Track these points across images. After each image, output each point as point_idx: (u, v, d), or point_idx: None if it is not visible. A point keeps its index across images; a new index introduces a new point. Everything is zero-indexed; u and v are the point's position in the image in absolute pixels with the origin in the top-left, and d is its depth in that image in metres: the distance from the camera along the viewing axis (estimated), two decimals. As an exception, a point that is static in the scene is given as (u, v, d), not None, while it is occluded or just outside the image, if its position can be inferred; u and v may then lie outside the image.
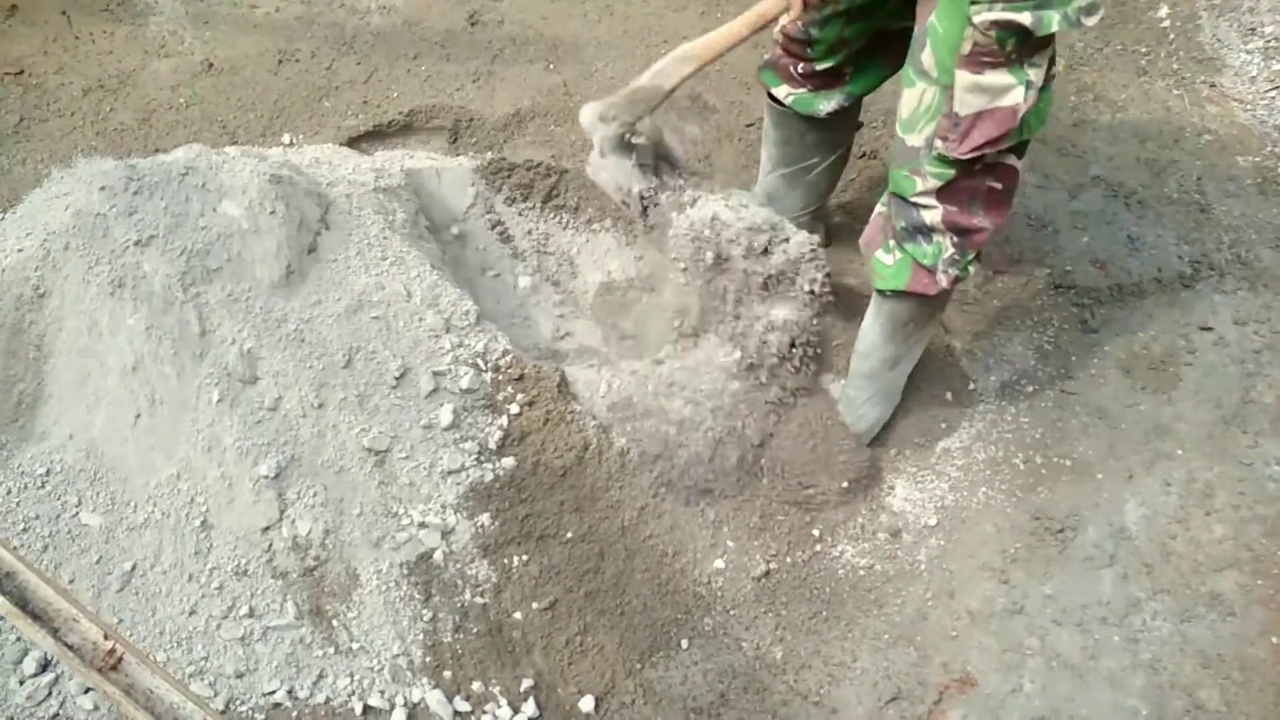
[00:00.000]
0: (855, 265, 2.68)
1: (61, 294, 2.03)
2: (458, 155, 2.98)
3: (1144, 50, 3.47)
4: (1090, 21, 1.81)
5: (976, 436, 2.51)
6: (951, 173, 2.00)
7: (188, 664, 1.92)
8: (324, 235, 2.19)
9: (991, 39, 1.82)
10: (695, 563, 2.28)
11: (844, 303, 2.56)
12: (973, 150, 1.93)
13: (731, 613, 2.25)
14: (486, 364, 2.22)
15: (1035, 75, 1.87)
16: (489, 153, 3.00)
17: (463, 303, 2.26)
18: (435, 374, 2.16)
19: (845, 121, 2.54)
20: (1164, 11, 3.58)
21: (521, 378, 2.23)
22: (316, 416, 2.07)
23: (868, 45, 2.28)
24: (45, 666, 1.90)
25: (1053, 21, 1.79)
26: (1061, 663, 2.18)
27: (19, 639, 1.89)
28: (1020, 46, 1.83)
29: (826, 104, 2.38)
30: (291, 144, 2.92)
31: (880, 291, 2.26)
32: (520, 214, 2.73)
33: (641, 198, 2.45)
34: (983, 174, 2.01)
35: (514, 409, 2.21)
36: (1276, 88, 3.32)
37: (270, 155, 2.29)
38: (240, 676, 1.94)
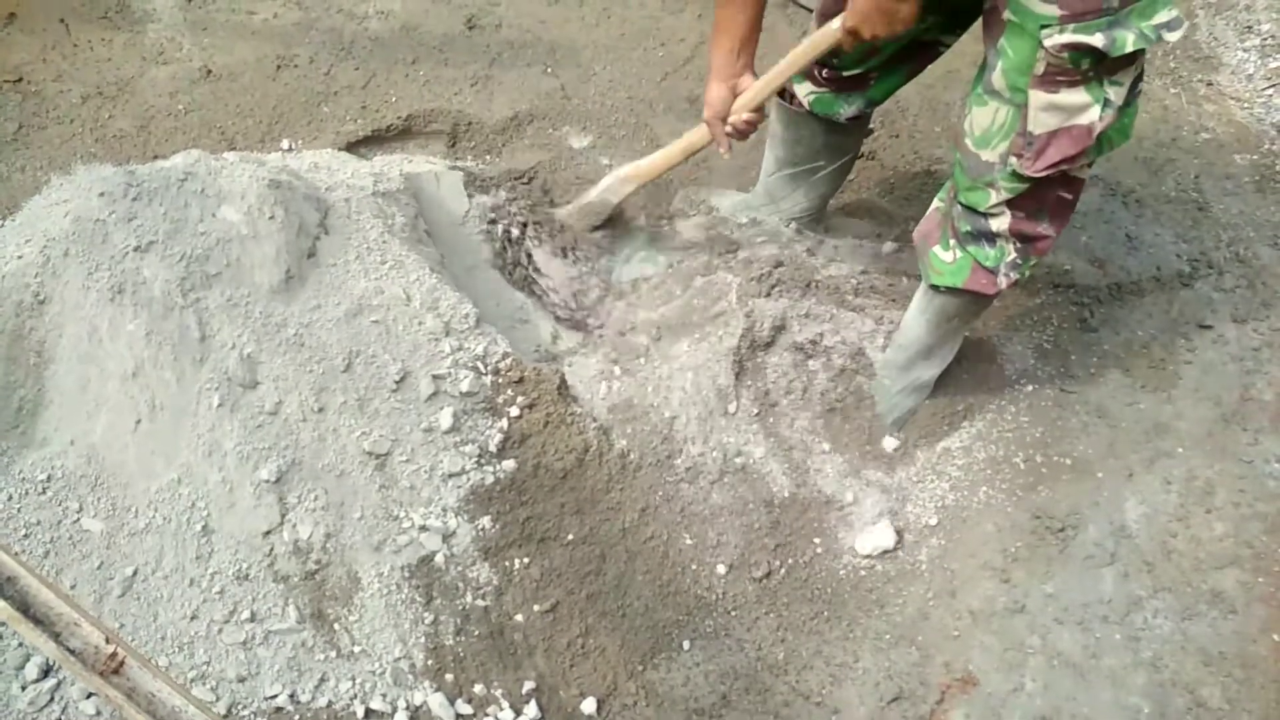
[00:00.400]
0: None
1: (61, 300, 2.04)
2: (456, 160, 2.99)
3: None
4: (1173, 37, 1.77)
5: (977, 436, 2.51)
6: (1024, 186, 2.01)
7: (189, 668, 1.92)
8: (323, 240, 2.20)
9: (1065, 60, 1.80)
10: (697, 564, 2.27)
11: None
12: (1048, 168, 1.93)
13: (733, 614, 2.25)
14: (486, 367, 2.22)
15: (1115, 94, 1.85)
16: (487, 156, 3.01)
17: (462, 306, 2.26)
18: (435, 377, 2.17)
19: (859, 128, 2.56)
20: (1160, 11, 3.58)
21: (521, 380, 2.23)
22: (317, 420, 2.07)
23: (896, 54, 2.28)
24: (47, 672, 1.89)
25: (1127, 42, 1.75)
26: (1063, 661, 2.19)
27: (21, 644, 1.89)
28: (1096, 65, 1.81)
29: (847, 108, 2.38)
30: (290, 149, 2.92)
31: (934, 287, 2.26)
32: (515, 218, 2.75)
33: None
34: (1054, 186, 2.02)
35: (514, 411, 2.21)
36: (1273, 85, 3.32)
37: (269, 161, 2.29)
38: (242, 680, 1.94)
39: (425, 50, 3.27)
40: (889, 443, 2.48)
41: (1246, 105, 3.31)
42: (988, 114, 1.97)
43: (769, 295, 2.49)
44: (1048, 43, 1.79)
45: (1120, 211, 2.99)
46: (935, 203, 2.28)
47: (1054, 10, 1.76)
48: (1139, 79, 1.91)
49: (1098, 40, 1.75)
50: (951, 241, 2.19)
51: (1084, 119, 1.87)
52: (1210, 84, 3.38)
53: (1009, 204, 2.05)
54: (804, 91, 2.41)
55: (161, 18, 3.27)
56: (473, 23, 3.38)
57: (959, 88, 3.28)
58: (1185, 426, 2.53)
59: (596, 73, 3.26)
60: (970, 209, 2.11)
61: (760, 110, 2.29)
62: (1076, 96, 1.85)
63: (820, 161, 2.58)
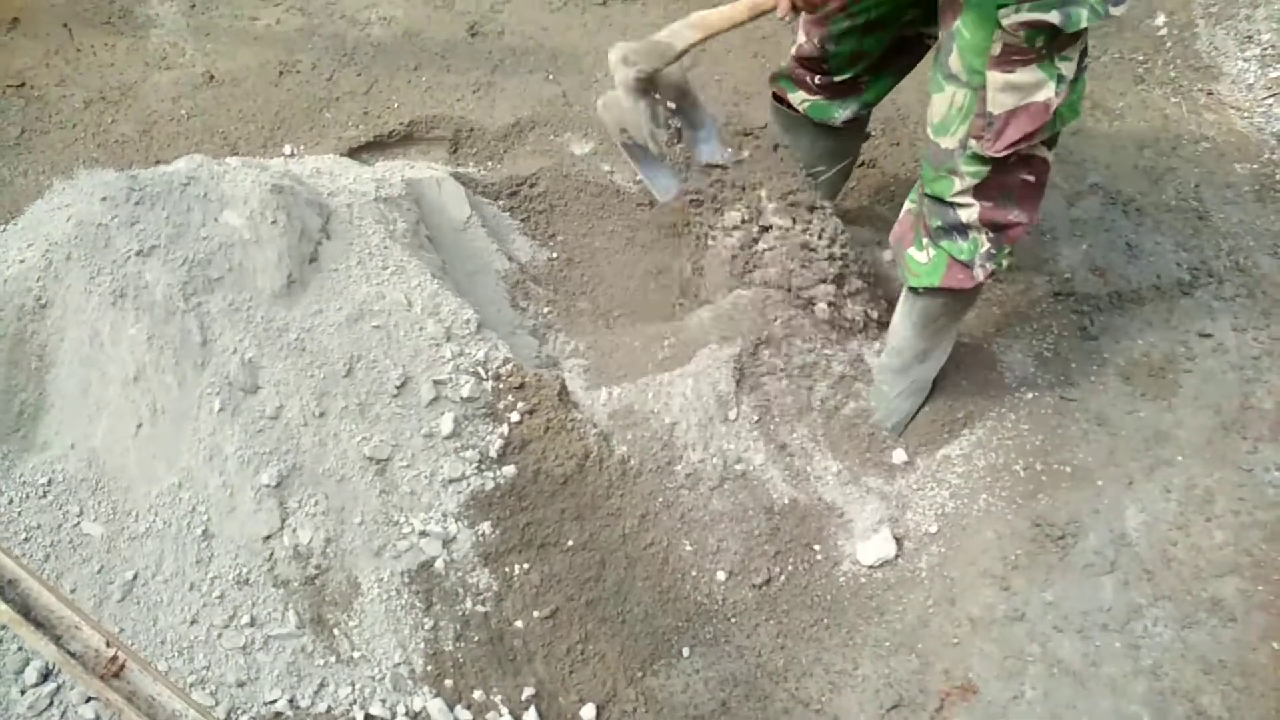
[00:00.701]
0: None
1: (63, 304, 2.04)
2: (458, 165, 2.99)
3: (1141, 58, 3.49)
4: (1118, 11, 1.81)
5: (976, 443, 2.51)
6: (986, 170, 2.02)
7: (189, 673, 1.92)
8: (325, 245, 2.20)
9: (1021, 39, 1.83)
10: (697, 570, 2.27)
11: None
12: (1008, 147, 1.95)
13: (733, 620, 2.25)
14: (487, 372, 2.23)
15: (1066, 69, 1.89)
16: (489, 162, 3.02)
17: (463, 311, 2.26)
18: (436, 382, 2.17)
19: (857, 131, 2.57)
20: (1161, 20, 3.60)
21: (522, 386, 2.23)
22: (318, 425, 2.07)
23: (883, 56, 2.29)
24: (46, 676, 1.89)
25: (1081, 17, 1.79)
26: (1063, 669, 2.18)
27: (20, 648, 1.89)
28: (1050, 43, 1.85)
29: (842, 111, 2.40)
30: (292, 155, 2.93)
31: (913, 289, 2.26)
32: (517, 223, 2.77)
33: (653, 140, 2.56)
34: (1016, 168, 2.04)
35: (514, 417, 2.22)
36: (1273, 95, 3.33)
37: (271, 166, 2.30)
38: (241, 685, 1.93)
39: (427, 56, 3.27)
40: (898, 455, 2.48)
41: (1247, 114, 3.31)
42: (945, 99, 1.99)
43: (769, 301, 2.49)
44: (1006, 21, 1.81)
45: (1120, 220, 3.00)
46: (907, 203, 2.29)
47: None
48: (1084, 54, 1.94)
49: (1054, 17, 1.78)
50: (925, 240, 2.19)
51: (1040, 96, 1.90)
52: (1210, 93, 3.39)
53: (976, 192, 2.06)
54: (798, 99, 2.43)
55: (164, 23, 3.28)
56: (475, 29, 3.38)
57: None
58: (1185, 435, 2.53)
59: (598, 79, 3.26)
60: (937, 199, 2.11)
61: None
62: (1031, 75, 1.88)
63: (820, 167, 2.59)
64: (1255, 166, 3.15)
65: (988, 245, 2.13)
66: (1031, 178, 2.07)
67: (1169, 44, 3.54)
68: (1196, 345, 2.71)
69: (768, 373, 2.43)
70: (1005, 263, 2.18)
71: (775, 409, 2.44)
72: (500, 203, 2.86)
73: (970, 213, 2.09)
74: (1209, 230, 2.98)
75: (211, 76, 3.12)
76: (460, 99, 3.16)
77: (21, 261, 2.09)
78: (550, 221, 2.87)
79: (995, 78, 1.90)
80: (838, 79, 2.32)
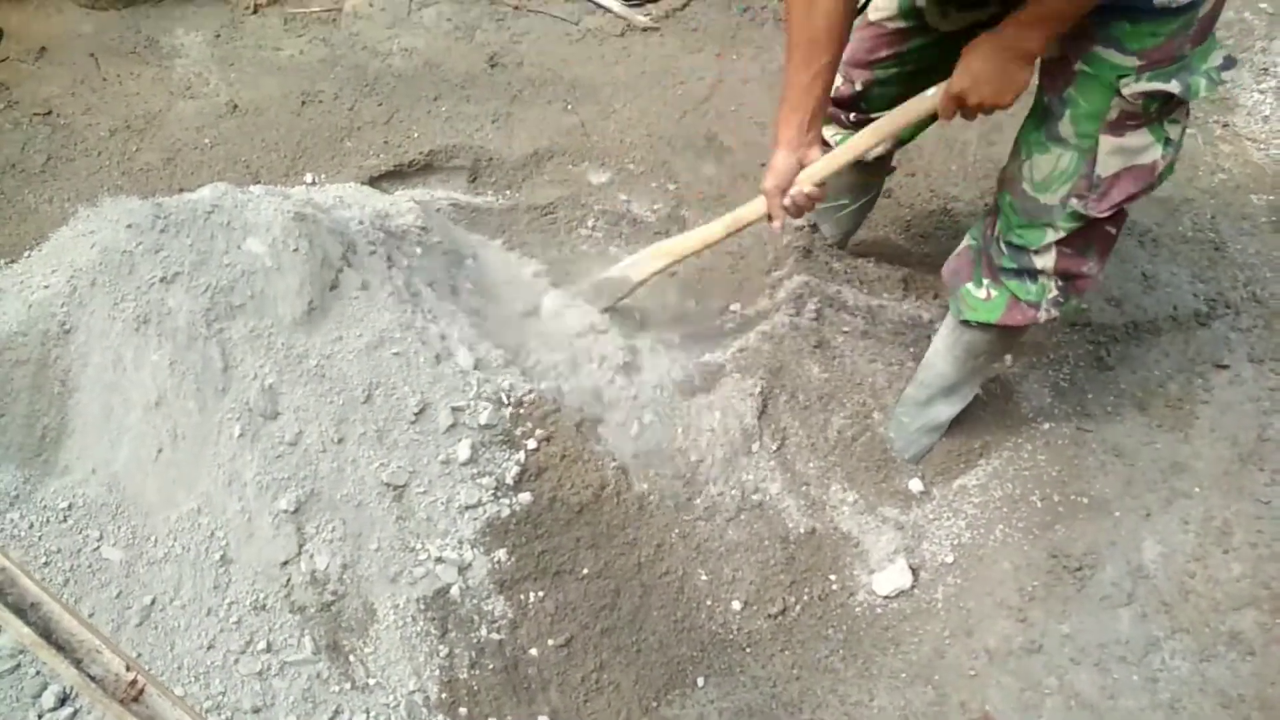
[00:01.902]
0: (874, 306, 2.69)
1: (87, 330, 2.06)
2: (476, 194, 3.02)
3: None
4: (1228, 75, 1.87)
5: (993, 474, 2.51)
6: (1081, 225, 2.03)
7: (205, 698, 1.93)
8: (345, 272, 2.22)
9: (1138, 106, 1.86)
10: (712, 600, 2.27)
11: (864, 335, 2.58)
12: (1112, 208, 1.98)
13: (748, 650, 2.24)
14: (506, 400, 2.24)
15: (1173, 132, 1.92)
16: (508, 191, 3.04)
17: (481, 340, 2.28)
18: (454, 409, 2.18)
19: (884, 165, 2.57)
20: (1176, 52, 3.61)
21: (539, 414, 2.24)
22: (336, 451, 2.08)
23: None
24: (64, 700, 1.90)
25: (1200, 87, 1.83)
26: (1080, 702, 2.17)
27: (38, 672, 1.90)
28: (1162, 107, 1.87)
29: (876, 148, 2.39)
30: (314, 183, 2.96)
31: (965, 322, 2.27)
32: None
33: None
34: (1105, 223, 2.05)
35: (531, 444, 2.22)
36: (1290, 127, 3.34)
37: (294, 194, 2.32)
38: (257, 711, 1.94)
39: (448, 87, 3.31)
40: (914, 484, 2.47)
41: (1263, 146, 3.32)
42: (1050, 160, 1.99)
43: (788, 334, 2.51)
44: (1126, 91, 1.83)
45: (1137, 251, 3.00)
46: (967, 240, 2.29)
47: (1133, 61, 1.81)
48: (1187, 115, 1.96)
49: (1174, 87, 1.81)
50: (985, 280, 2.20)
51: (1146, 158, 1.93)
52: (1226, 125, 3.39)
53: (1060, 244, 2.07)
54: (830, 133, 2.42)
55: (189, 53, 3.33)
56: (494, 60, 3.43)
57: (975, 127, 3.30)
58: (1202, 466, 2.52)
59: (616, 110, 3.30)
60: (1018, 248, 2.12)
61: (824, 185, 2.15)
62: (1141, 138, 1.91)
63: (844, 199, 2.60)
64: (1271, 198, 3.15)
65: (1055, 292, 2.14)
66: (1114, 231, 2.10)
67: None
68: (1213, 377, 2.71)
69: (786, 401, 2.44)
70: (1071, 314, 2.18)
71: (793, 439, 2.44)
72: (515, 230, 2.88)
73: (1047, 259, 2.10)
74: (1225, 261, 2.98)
75: (235, 106, 3.17)
76: (479, 129, 3.19)
77: (46, 287, 2.11)
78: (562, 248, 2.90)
79: (1108, 142, 1.92)
80: (874, 116, 2.33)
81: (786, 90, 2.04)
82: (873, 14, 2.20)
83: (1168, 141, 1.92)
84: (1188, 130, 3.32)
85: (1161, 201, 3.14)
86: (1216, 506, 2.44)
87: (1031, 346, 2.75)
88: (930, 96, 2.02)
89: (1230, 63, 1.87)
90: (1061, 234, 2.05)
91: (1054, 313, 2.17)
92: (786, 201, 2.13)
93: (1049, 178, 2.00)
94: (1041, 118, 1.99)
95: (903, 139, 2.39)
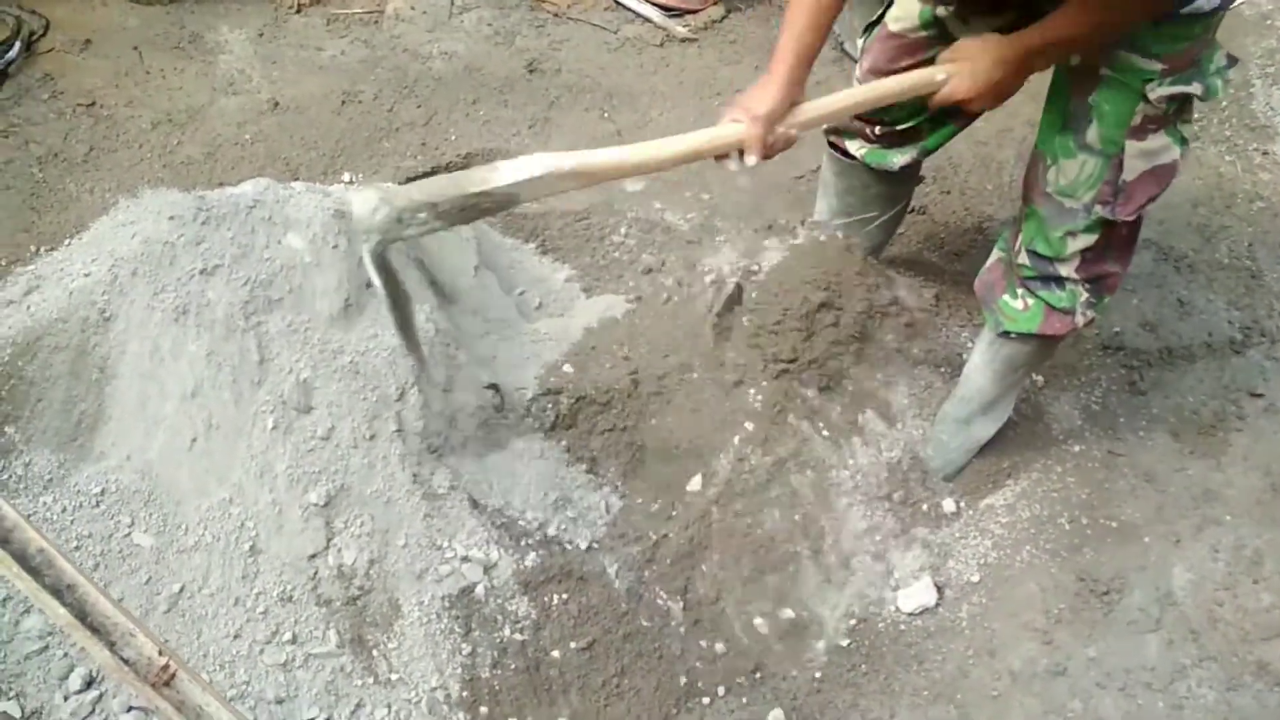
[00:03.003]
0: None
1: (127, 318, 2.08)
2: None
3: (1197, 117, 3.46)
4: (1233, 74, 1.93)
5: (1021, 494, 2.50)
6: (1101, 231, 2.06)
7: (229, 687, 1.94)
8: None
9: (1161, 109, 1.90)
10: (735, 609, 2.27)
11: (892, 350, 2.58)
12: (1135, 210, 2.01)
13: (769, 662, 2.23)
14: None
15: (1187, 132, 1.98)
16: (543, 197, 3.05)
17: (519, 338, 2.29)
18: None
19: (911, 176, 2.57)
20: (1217, 78, 3.59)
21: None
22: (367, 448, 2.09)
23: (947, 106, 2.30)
24: (90, 683, 1.91)
25: (1218, 87, 1.89)
26: (1104, 728, 2.15)
27: (65, 654, 1.92)
28: (1180, 109, 1.93)
29: (900, 158, 2.39)
30: (351, 182, 2.98)
31: (1005, 334, 2.27)
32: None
33: None
34: (1124, 226, 2.07)
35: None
36: (1330, 157, 3.31)
37: (333, 192, 2.34)
38: (280, 702, 1.94)
39: (486, 91, 3.33)
40: (948, 505, 2.47)
41: (1302, 175, 3.30)
42: (1076, 166, 2.01)
43: (824, 346, 2.50)
44: (1152, 95, 1.87)
45: (1172, 276, 2.98)
46: (996, 252, 2.29)
47: (1157, 65, 1.85)
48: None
49: (1195, 88, 1.87)
50: (1020, 290, 2.20)
51: (1167, 158, 1.97)
52: (1266, 153, 3.37)
53: (1083, 250, 2.09)
54: (855, 147, 2.42)
55: (233, 50, 3.36)
56: (533, 66, 3.44)
57: (1012, 146, 3.29)
58: (1234, 494, 2.50)
59: (653, 119, 3.31)
60: (1042, 256, 2.13)
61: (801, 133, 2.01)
62: (1160, 140, 1.95)
63: (873, 211, 2.59)
64: (1310, 227, 3.13)
65: (1086, 295, 2.16)
66: (1134, 230, 2.13)
67: (1225, 103, 3.53)
68: (1247, 404, 2.69)
69: (818, 416, 2.43)
70: (1103, 312, 2.21)
71: (823, 455, 2.43)
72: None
73: (1070, 267, 2.12)
74: (1261, 289, 2.96)
75: (276, 103, 3.20)
76: (516, 133, 3.21)
77: (87, 275, 2.14)
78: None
79: (1132, 147, 1.95)
80: (900, 127, 2.32)
81: (789, 24, 1.98)
82: (893, 24, 2.20)
83: (1183, 140, 1.97)
84: (1226, 157, 3.33)
85: (1199, 228, 3.12)
86: (1248, 535, 2.42)
87: (1064, 369, 2.74)
88: (939, 81, 2.01)
89: (1232, 61, 1.92)
90: (1083, 241, 2.07)
91: (1090, 315, 2.19)
92: (771, 137, 1.95)
93: (1074, 183, 2.02)
94: (1068, 123, 2.00)
95: (928, 148, 2.38)
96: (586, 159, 1.87)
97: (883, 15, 2.24)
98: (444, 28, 3.56)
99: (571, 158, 1.85)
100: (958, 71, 1.98)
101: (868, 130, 2.38)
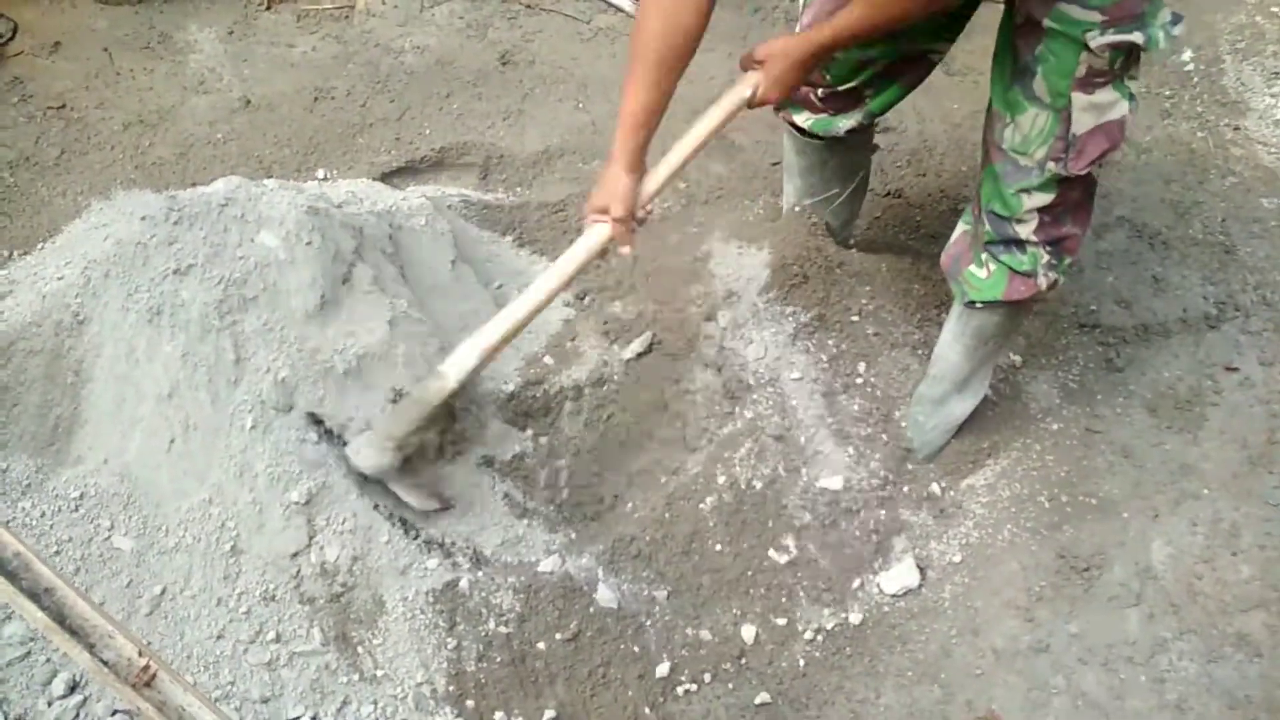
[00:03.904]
0: (879, 305, 2.69)
1: (101, 321, 2.07)
2: (487, 191, 3.03)
3: (1168, 93, 3.50)
4: (1177, 31, 1.92)
5: (1001, 474, 2.51)
6: (1058, 189, 2.07)
7: (214, 687, 1.93)
8: (358, 267, 2.23)
9: (1105, 60, 1.92)
10: (718, 596, 2.27)
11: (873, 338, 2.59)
12: (1087, 165, 2.02)
13: (754, 647, 2.24)
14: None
15: (1134, 87, 1.99)
16: (518, 189, 3.05)
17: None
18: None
19: (863, 143, 2.59)
20: (1188, 55, 3.61)
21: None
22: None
23: (888, 66, 2.31)
24: (74, 688, 1.91)
25: (1159, 38, 1.90)
26: (1087, 702, 2.17)
27: (49, 659, 1.91)
28: (1124, 61, 1.94)
29: (846, 122, 2.40)
30: (325, 179, 2.97)
31: (971, 304, 2.29)
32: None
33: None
34: (1077, 185, 2.10)
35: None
36: (1301, 131, 3.33)
37: (307, 188, 2.33)
38: (265, 701, 1.94)
39: (459, 84, 3.32)
40: (934, 488, 2.48)
41: (1273, 150, 3.32)
42: (1028, 119, 2.03)
43: (800, 330, 2.51)
44: (1093, 44, 1.89)
45: (1147, 253, 3.00)
46: (961, 225, 2.31)
47: (1096, 16, 1.87)
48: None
49: (1137, 37, 1.88)
50: (984, 256, 2.22)
51: (1115, 114, 1.99)
52: (1237, 128, 3.39)
53: (1040, 210, 2.10)
54: (802, 118, 2.44)
55: (203, 49, 3.34)
56: (506, 58, 3.43)
57: (986, 128, 3.30)
58: (1211, 468, 2.52)
59: (627, 109, 3.30)
60: (1000, 217, 2.15)
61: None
62: (1109, 94, 1.97)
63: (835, 187, 2.61)
64: (1282, 201, 3.15)
65: (1047, 257, 2.17)
66: (1088, 192, 2.15)
67: (1196, 79, 3.55)
68: (1223, 379, 2.70)
69: (800, 399, 2.44)
70: (1065, 274, 2.22)
71: (803, 436, 2.44)
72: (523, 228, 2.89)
73: (1028, 228, 2.13)
74: (1235, 264, 2.98)
75: (248, 101, 3.18)
76: (491, 126, 3.20)
77: (60, 279, 2.13)
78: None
79: (1080, 99, 1.97)
80: (841, 88, 2.33)
81: (630, 110, 1.99)
82: None
83: (1131, 96, 1.99)
84: (1198, 133, 3.35)
85: (1172, 204, 3.14)
86: (1225, 508, 2.44)
87: (1041, 347, 2.75)
88: (749, 95, 2.03)
89: (1177, 19, 1.93)
90: (1039, 199, 2.09)
91: (1052, 276, 2.20)
92: (633, 227, 2.05)
93: (1028, 138, 2.04)
94: (1016, 77, 2.03)
95: (873, 111, 2.39)
96: (500, 326, 2.05)
97: None
98: (415, 21, 3.54)
99: (489, 332, 2.05)
100: (761, 80, 2.01)
101: (812, 97, 2.39)
